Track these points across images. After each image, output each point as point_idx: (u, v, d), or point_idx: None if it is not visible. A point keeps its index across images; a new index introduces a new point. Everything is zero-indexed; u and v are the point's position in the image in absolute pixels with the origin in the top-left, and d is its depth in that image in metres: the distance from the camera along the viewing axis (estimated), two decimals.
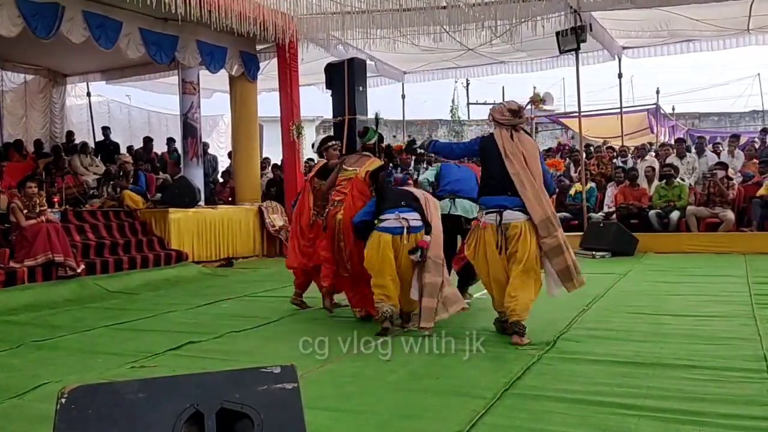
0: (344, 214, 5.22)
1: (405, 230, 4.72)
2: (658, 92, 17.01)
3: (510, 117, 4.59)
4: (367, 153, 5.60)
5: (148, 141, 13.67)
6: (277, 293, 7.08)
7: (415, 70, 14.68)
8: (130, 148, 13.69)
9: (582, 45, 10.23)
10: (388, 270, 4.71)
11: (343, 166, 5.50)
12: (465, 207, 5.77)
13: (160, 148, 13.99)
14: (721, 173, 10.03)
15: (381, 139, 5.75)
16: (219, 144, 16.07)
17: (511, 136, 4.56)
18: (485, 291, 6.53)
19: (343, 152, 6.21)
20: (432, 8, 9.78)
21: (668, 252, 9.47)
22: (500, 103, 4.84)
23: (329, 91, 8.85)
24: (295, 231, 6.04)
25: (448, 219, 5.97)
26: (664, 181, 10.42)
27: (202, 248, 9.81)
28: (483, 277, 4.76)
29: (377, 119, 6.02)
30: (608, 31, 11.54)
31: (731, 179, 10.17)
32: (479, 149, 4.78)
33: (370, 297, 4.96)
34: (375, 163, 5.41)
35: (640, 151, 12.05)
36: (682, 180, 10.65)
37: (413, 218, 4.80)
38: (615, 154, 12.50)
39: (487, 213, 4.56)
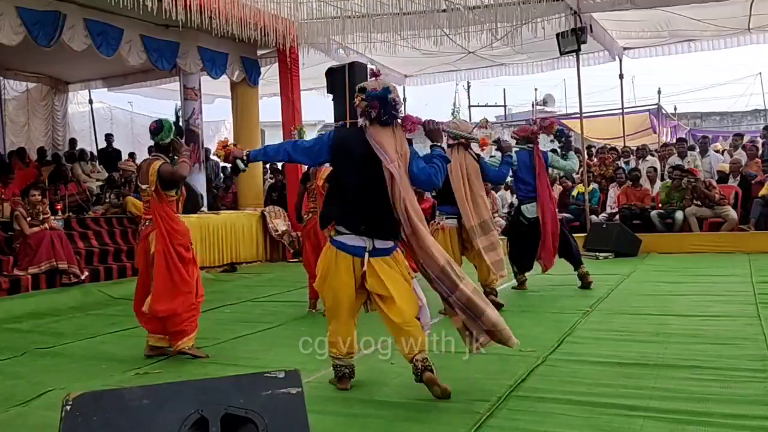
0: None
1: (366, 252, 3.39)
2: (659, 92, 16.99)
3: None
4: (158, 155, 4.57)
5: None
6: (280, 298, 7.09)
7: (416, 73, 14.70)
8: (132, 155, 13.70)
9: (582, 46, 10.23)
10: (347, 309, 3.49)
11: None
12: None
13: None
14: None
15: (181, 133, 4.66)
16: None
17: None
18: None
19: None
20: (432, 12, 9.79)
21: (671, 252, 9.45)
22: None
23: (330, 96, 8.86)
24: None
25: (536, 223, 6.29)
26: (671, 181, 10.37)
27: (205, 254, 9.79)
28: None
29: (176, 113, 4.80)
30: (609, 32, 11.54)
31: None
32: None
33: None
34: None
35: (642, 152, 12.02)
36: None
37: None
38: (617, 155, 12.46)
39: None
